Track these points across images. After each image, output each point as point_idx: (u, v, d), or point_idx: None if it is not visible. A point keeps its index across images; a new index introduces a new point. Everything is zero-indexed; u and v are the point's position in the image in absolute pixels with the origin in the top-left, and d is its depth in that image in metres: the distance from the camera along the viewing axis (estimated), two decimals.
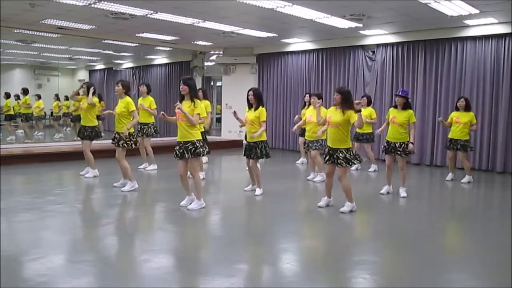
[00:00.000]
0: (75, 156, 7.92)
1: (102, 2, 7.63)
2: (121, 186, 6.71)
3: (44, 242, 4.34)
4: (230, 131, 13.31)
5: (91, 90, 7.33)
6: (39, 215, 5.33)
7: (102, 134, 8.81)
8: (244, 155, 6.53)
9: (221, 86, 14.62)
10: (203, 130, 7.74)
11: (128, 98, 6.66)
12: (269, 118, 12.75)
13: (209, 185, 7.94)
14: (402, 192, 6.61)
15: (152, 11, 8.32)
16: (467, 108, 7.70)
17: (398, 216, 5.91)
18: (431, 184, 7.97)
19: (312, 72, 11.99)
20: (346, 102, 5.38)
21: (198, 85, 13.99)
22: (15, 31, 10.30)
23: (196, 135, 5.51)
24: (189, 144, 5.44)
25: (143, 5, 7.91)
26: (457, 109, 7.79)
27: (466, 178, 7.93)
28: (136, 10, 8.28)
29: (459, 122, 7.63)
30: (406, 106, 6.49)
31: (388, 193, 6.72)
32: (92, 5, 7.82)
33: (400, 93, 6.56)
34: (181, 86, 5.43)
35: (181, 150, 5.46)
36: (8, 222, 4.92)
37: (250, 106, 6.39)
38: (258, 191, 6.55)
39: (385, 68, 10.59)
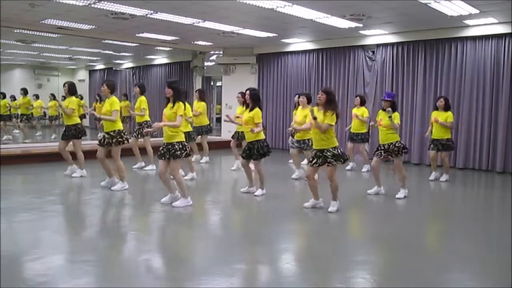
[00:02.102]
0: (74, 156, 7.94)
1: (102, 2, 7.63)
2: (109, 186, 6.74)
3: (44, 242, 4.34)
4: (230, 131, 13.28)
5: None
6: (39, 215, 5.33)
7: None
8: (243, 156, 6.46)
9: (221, 86, 14.62)
10: (189, 130, 7.87)
11: (113, 98, 6.69)
12: (269, 118, 12.80)
13: (208, 185, 7.95)
14: (399, 194, 6.55)
15: (152, 11, 8.32)
16: (446, 108, 7.73)
17: (397, 216, 5.90)
18: (429, 184, 7.97)
19: (312, 72, 11.98)
20: (330, 103, 5.38)
21: (198, 85, 14.10)
22: (15, 31, 10.30)
23: (178, 137, 5.60)
24: (170, 145, 5.56)
25: (143, 5, 7.91)
26: (437, 108, 7.85)
27: (444, 177, 8.00)
28: (136, 10, 8.27)
29: (437, 122, 7.68)
30: (394, 108, 6.45)
31: (378, 194, 6.67)
32: (92, 5, 7.82)
33: (386, 98, 6.51)
34: (166, 90, 5.63)
35: (163, 151, 5.61)
36: (8, 222, 4.92)
37: (247, 106, 6.41)
38: (259, 192, 6.53)
39: (385, 68, 10.59)
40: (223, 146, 12.50)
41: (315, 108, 5.54)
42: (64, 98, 7.87)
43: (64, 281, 3.40)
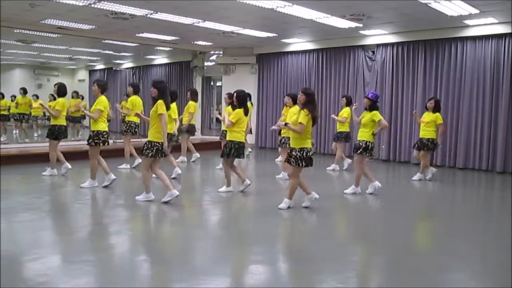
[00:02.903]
0: (74, 157, 7.96)
1: (102, 2, 7.63)
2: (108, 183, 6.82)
3: (44, 242, 4.34)
4: None
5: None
6: (39, 215, 5.33)
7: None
8: (221, 155, 6.65)
9: (221, 86, 14.62)
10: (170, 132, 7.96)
11: (101, 97, 6.70)
12: (269, 119, 12.80)
13: (207, 185, 7.95)
14: (348, 189, 6.66)
15: (152, 11, 8.32)
16: (436, 109, 7.87)
17: (395, 216, 5.89)
18: (429, 185, 7.96)
19: (312, 72, 11.98)
20: (308, 103, 5.42)
21: (198, 85, 14.10)
22: (15, 31, 10.30)
23: (152, 137, 5.71)
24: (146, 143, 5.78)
25: (143, 5, 7.92)
26: (427, 109, 8.04)
27: (417, 176, 8.05)
28: (136, 10, 8.28)
29: (423, 122, 7.91)
30: (373, 107, 6.54)
31: (372, 193, 6.68)
32: (92, 5, 7.82)
33: (369, 96, 6.60)
34: (151, 89, 5.75)
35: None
36: (8, 222, 4.92)
37: (233, 107, 6.71)
38: (223, 188, 6.70)
39: (385, 68, 10.59)
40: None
41: (297, 107, 5.69)
42: (55, 98, 7.88)
43: (64, 281, 3.40)
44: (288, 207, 5.67)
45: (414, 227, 5.28)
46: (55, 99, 14.13)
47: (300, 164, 5.47)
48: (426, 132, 7.83)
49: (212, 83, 17.83)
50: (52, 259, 3.87)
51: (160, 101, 5.64)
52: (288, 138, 7.29)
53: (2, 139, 12.20)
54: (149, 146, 5.69)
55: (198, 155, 9.98)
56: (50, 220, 5.27)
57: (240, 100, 6.48)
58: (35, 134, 13.85)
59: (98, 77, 18.83)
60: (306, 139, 5.50)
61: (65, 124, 7.65)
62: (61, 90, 7.53)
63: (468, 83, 9.41)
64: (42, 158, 9.19)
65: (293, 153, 5.51)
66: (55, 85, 7.67)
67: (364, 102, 6.70)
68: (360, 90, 10.92)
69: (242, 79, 12.98)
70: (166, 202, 5.81)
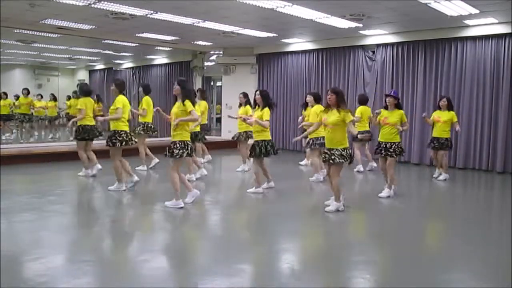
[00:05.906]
0: (75, 156, 7.94)
1: (102, 2, 7.63)
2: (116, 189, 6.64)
3: (44, 242, 4.34)
4: (230, 131, 13.27)
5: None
6: (39, 215, 5.33)
7: (103, 133, 8.78)
8: (251, 155, 6.67)
9: (221, 86, 14.62)
10: (197, 130, 7.92)
11: (120, 96, 6.55)
12: (269, 118, 12.77)
13: (209, 185, 7.95)
14: (383, 192, 6.54)
15: (152, 11, 8.32)
16: (449, 108, 7.82)
17: (396, 216, 5.90)
18: (429, 184, 7.97)
19: (312, 72, 11.98)
20: (341, 102, 5.43)
21: (198, 85, 14.10)
22: (15, 31, 10.29)
23: (181, 136, 5.56)
24: (171, 144, 5.59)
25: (143, 5, 7.91)
26: (439, 108, 7.94)
27: (443, 176, 8.03)
28: (136, 10, 8.27)
29: (440, 121, 7.78)
30: (397, 106, 6.54)
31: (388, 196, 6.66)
32: (92, 5, 7.82)
33: (392, 94, 6.60)
34: (174, 86, 5.63)
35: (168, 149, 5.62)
36: (8, 222, 4.92)
37: (256, 105, 6.71)
38: (253, 189, 6.69)
39: (385, 68, 10.59)
40: (223, 146, 12.52)
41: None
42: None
43: (64, 281, 3.40)
44: (337, 210, 5.60)
45: (413, 227, 5.27)
46: (54, 98, 14.09)
47: (346, 160, 5.44)
48: (443, 131, 7.73)
49: (212, 83, 17.84)
50: (52, 259, 3.87)
51: (188, 102, 5.52)
52: (317, 138, 7.26)
53: (7, 135, 12.19)
54: (182, 146, 5.52)
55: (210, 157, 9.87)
56: (50, 220, 5.26)
57: (266, 98, 6.54)
58: (36, 133, 13.83)
59: (98, 77, 18.85)
60: (345, 139, 5.51)
61: (92, 123, 7.57)
62: (83, 89, 7.49)
63: (468, 83, 9.41)
64: (42, 158, 9.21)
65: (336, 152, 5.41)
66: (78, 85, 7.63)
67: (388, 101, 6.55)
68: (360, 90, 10.89)
69: (242, 79, 12.98)
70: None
